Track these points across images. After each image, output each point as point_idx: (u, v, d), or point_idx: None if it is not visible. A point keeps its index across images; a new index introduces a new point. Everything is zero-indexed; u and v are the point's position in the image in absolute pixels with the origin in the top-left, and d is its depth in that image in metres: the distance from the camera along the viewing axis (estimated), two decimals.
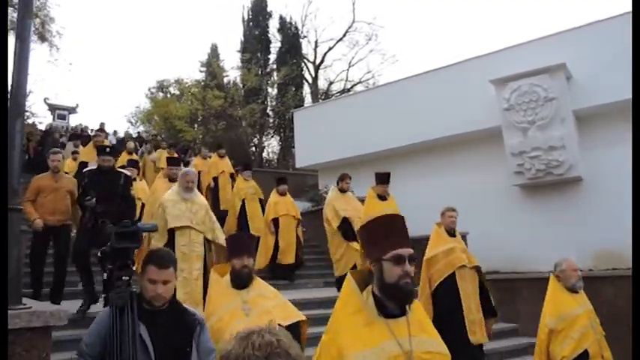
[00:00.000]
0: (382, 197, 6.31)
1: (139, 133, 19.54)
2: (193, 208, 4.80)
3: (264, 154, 22.49)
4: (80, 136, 13.03)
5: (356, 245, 6.40)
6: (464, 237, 7.88)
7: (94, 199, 4.68)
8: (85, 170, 5.09)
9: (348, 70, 23.52)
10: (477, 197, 9.36)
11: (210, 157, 10.79)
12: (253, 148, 21.41)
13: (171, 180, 6.19)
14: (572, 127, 8.54)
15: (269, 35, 23.42)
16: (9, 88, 2.49)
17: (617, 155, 7.75)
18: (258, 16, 23.38)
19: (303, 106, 19.17)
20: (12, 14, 14.24)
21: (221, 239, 4.85)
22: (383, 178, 6.47)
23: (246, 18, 23.55)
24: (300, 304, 5.56)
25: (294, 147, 15.40)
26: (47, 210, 5.13)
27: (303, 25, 23.36)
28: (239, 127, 19.93)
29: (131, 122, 23.95)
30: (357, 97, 13.78)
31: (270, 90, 22.38)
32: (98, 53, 41.13)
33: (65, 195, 5.34)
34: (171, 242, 4.60)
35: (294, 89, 21.64)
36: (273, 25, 23.61)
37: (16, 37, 2.51)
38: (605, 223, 7.77)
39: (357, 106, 12.04)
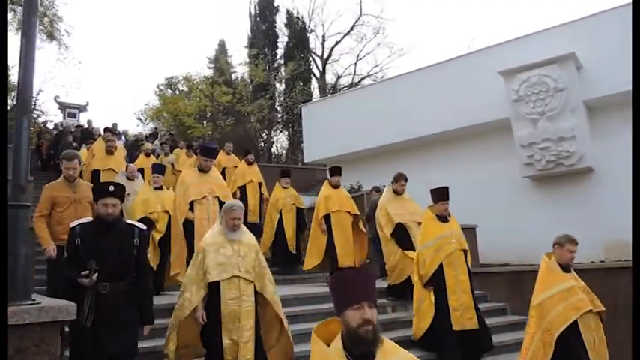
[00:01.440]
0: (442, 218, 5.20)
1: (156, 129, 19.49)
2: (241, 250, 3.85)
3: (273, 150, 22.53)
4: (92, 136, 12.06)
5: (411, 254, 5.70)
6: (473, 229, 7.87)
7: (95, 274, 3.01)
8: (74, 225, 3.29)
9: (355, 63, 23.46)
10: (486, 189, 9.31)
11: (231, 152, 10.11)
12: (262, 144, 21.45)
13: (202, 171, 5.43)
14: (583, 118, 8.44)
15: (276, 30, 23.40)
16: (16, 85, 2.51)
17: (628, 145, 7.64)
18: (265, 11, 23.36)
19: (311, 100, 19.16)
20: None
21: (270, 291, 3.92)
22: (442, 195, 5.22)
23: (253, 13, 23.56)
24: (296, 300, 5.47)
25: (302, 142, 15.41)
26: (67, 227, 3.84)
27: (310, 20, 23.35)
28: (247, 123, 19.97)
29: (140, 119, 24.09)
30: (364, 91, 13.74)
31: (278, 85, 22.38)
32: (106, 51, 41.34)
33: (87, 207, 4.31)
34: (213, 296, 3.72)
35: (301, 84, 21.61)
36: (280, 19, 23.63)
37: (22, 35, 2.53)
38: (617, 214, 7.68)
39: (364, 100, 12.01)
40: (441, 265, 4.95)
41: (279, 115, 21.93)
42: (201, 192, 5.32)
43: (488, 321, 5.37)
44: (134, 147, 12.04)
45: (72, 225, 3.29)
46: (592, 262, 6.90)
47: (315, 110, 13.78)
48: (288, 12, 23.45)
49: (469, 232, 7.85)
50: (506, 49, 9.46)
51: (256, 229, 8.48)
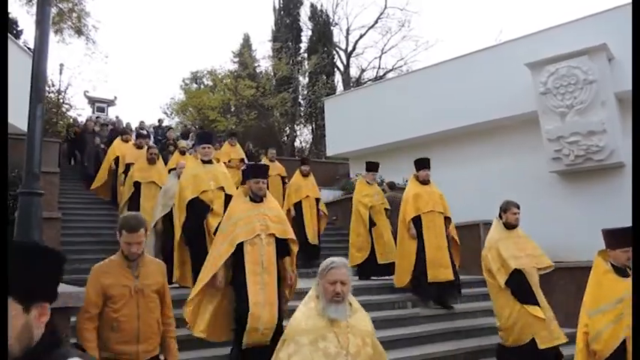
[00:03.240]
0: (622, 271, 3.49)
1: (186, 126, 19.60)
2: (351, 343, 2.42)
3: (296, 143, 22.54)
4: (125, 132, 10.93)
5: (536, 310, 4.58)
6: None
7: None
8: None
9: (380, 57, 23.23)
10: (512, 184, 9.09)
11: (275, 159, 9.40)
12: (285, 138, 21.49)
13: (255, 200, 4.13)
14: (614, 111, 8.15)
15: (300, 24, 23.38)
16: (28, 75, 2.52)
17: None
18: (289, 5, 23.35)
19: (334, 94, 19.09)
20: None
21: None
22: (624, 238, 3.53)
23: (277, 7, 23.57)
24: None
25: (325, 136, 15.36)
26: (126, 334, 2.66)
27: (334, 13, 23.24)
28: (270, 117, 20.02)
29: (166, 113, 24.42)
30: (387, 84, 13.58)
31: (301, 79, 22.36)
32: (133, 46, 42.10)
33: (154, 300, 2.83)
34: None
35: (325, 78, 21.53)
36: (305, 13, 23.60)
37: (36, 25, 2.55)
38: None
39: (388, 93, 11.88)
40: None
41: (302, 109, 21.92)
42: (254, 229, 3.99)
43: None
44: (164, 147, 11.82)
45: None
46: None
47: (338, 103, 13.70)
48: (312, 5, 23.43)
49: None
50: (534, 40, 9.19)
51: (316, 252, 7.70)
